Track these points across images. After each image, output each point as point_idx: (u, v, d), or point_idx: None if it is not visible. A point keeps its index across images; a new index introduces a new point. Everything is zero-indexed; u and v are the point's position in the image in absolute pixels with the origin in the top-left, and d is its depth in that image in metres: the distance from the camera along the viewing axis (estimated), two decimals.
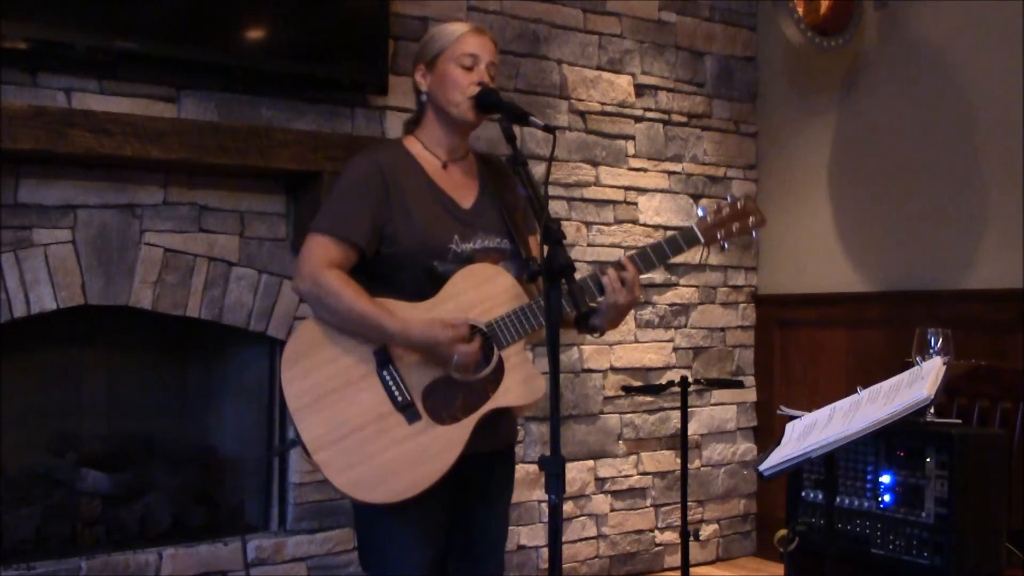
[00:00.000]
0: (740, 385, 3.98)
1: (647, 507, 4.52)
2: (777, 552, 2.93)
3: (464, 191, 2.41)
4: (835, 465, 2.30)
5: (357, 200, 2.31)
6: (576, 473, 4.28)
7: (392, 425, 2.22)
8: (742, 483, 4.80)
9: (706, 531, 4.64)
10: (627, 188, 4.48)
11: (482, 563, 2.44)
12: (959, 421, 2.84)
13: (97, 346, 3.66)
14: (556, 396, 1.91)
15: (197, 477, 3.71)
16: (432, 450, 2.21)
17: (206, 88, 3.44)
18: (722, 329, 4.77)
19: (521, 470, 3.69)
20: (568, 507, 4.27)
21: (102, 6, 3.15)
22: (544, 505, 4.11)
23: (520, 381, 2.28)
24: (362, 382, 2.24)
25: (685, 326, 4.65)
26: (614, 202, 4.44)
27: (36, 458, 3.54)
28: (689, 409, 3.68)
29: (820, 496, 2.69)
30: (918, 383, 2.20)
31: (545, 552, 4.17)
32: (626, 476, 4.46)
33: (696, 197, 4.65)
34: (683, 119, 4.66)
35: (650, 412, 4.53)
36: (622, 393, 4.36)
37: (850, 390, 2.38)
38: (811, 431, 2.25)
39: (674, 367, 4.57)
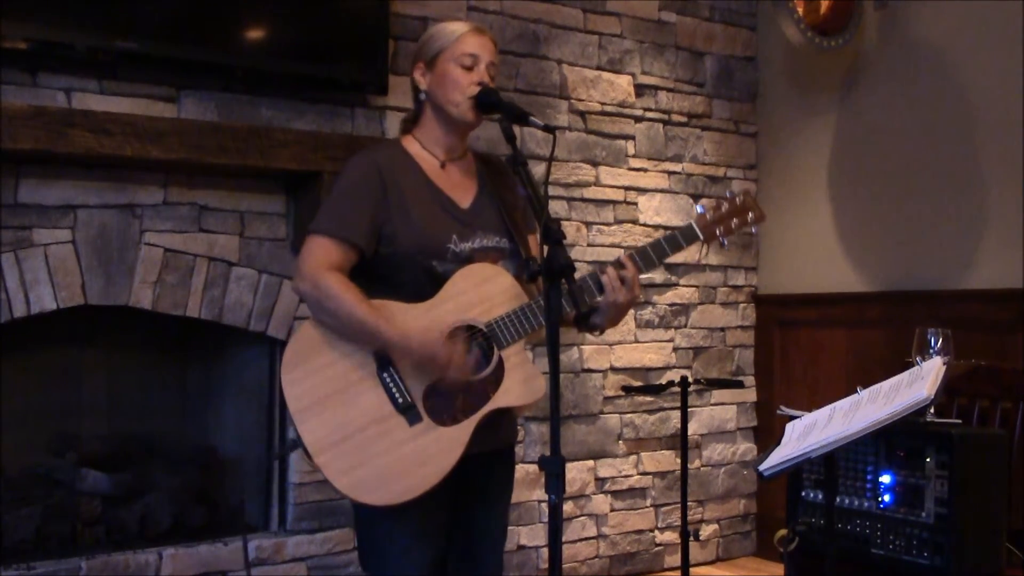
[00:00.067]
0: (740, 385, 3.98)
1: (647, 507, 4.52)
2: (777, 552, 2.93)
3: (463, 190, 2.41)
4: (835, 465, 2.30)
5: (356, 200, 2.30)
6: (576, 473, 4.28)
7: (393, 427, 2.22)
8: (742, 483, 4.80)
9: (706, 531, 4.64)
10: (627, 188, 4.48)
11: (482, 563, 2.44)
12: (959, 421, 2.84)
13: (97, 346, 3.66)
14: (556, 396, 1.91)
15: (197, 477, 3.71)
16: (433, 451, 2.21)
17: (206, 88, 3.44)
18: (722, 329, 4.78)
19: (521, 470, 3.69)
20: (568, 507, 4.27)
21: (102, 6, 3.15)
22: (544, 505, 4.11)
23: (520, 381, 2.28)
24: (362, 384, 2.24)
25: (685, 326, 4.65)
26: (614, 202, 4.44)
27: (36, 458, 3.54)
28: (689, 409, 3.68)
29: (820, 496, 2.69)
30: (918, 383, 2.20)
31: (545, 552, 4.17)
32: (626, 476, 4.46)
33: (696, 197, 4.65)
34: (683, 119, 4.66)
35: (650, 412, 4.53)
36: (622, 393, 4.36)
37: (850, 390, 2.38)
38: (811, 431, 2.25)
39: (674, 367, 4.57)
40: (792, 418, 2.41)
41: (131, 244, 3.32)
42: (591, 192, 4.38)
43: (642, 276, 2.37)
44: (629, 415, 4.46)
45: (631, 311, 4.39)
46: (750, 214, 2.45)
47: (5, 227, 3.11)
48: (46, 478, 3.48)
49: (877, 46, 4.42)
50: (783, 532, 2.41)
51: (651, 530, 4.53)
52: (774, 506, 4.62)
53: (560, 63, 4.30)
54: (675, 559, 4.38)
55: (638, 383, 4.39)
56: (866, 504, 2.65)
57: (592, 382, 4.37)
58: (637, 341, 4.50)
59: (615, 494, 4.43)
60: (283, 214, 3.60)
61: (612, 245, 4.38)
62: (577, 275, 2.06)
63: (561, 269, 1.97)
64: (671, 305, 4.61)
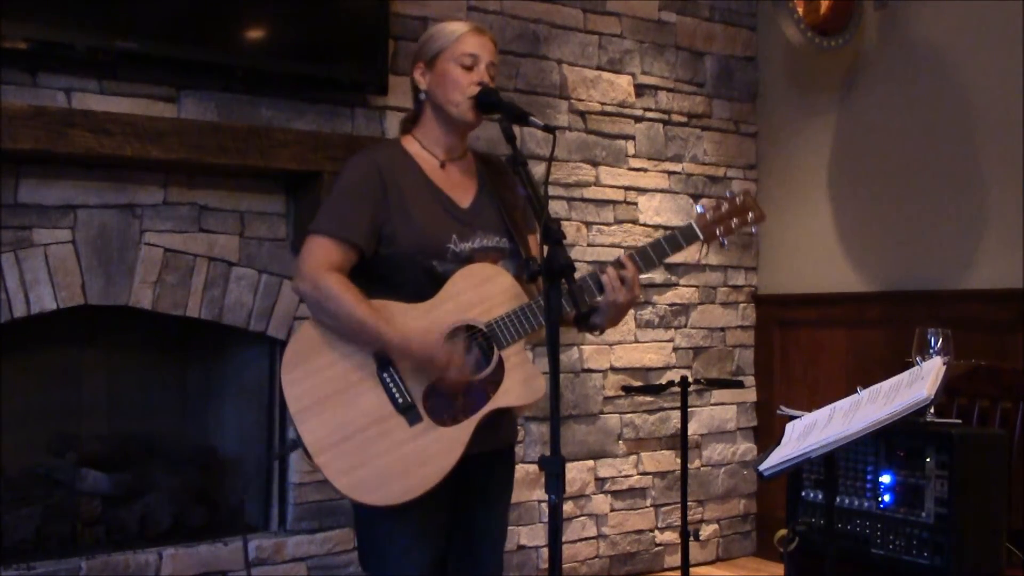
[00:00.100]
0: (740, 385, 3.98)
1: (647, 507, 4.52)
2: (777, 552, 2.93)
3: (462, 190, 2.41)
4: (835, 465, 2.30)
5: (356, 201, 2.30)
6: (576, 473, 4.28)
7: (393, 427, 2.22)
8: (742, 483, 4.80)
9: (706, 531, 4.64)
10: (627, 188, 4.48)
11: (482, 563, 2.44)
12: (959, 421, 2.84)
13: (97, 346, 3.66)
14: (556, 396, 1.91)
15: (197, 477, 3.71)
16: (433, 452, 2.21)
17: (206, 88, 3.44)
18: (722, 329, 4.78)
19: (521, 470, 3.69)
20: (568, 507, 4.27)
21: (102, 6, 3.15)
22: (544, 505, 4.11)
23: (520, 381, 2.28)
24: (362, 384, 2.24)
25: (685, 326, 4.65)
26: (614, 202, 4.44)
27: (36, 458, 3.54)
28: (689, 409, 3.68)
29: (820, 496, 2.69)
30: (918, 383, 2.20)
31: (545, 552, 4.17)
32: (626, 476, 4.46)
33: (696, 197, 4.65)
34: (683, 119, 4.66)
35: (650, 412, 4.53)
36: (622, 393, 4.36)
37: (850, 390, 2.38)
38: (811, 431, 2.25)
39: (674, 367, 4.57)
40: (792, 418, 2.41)
41: (131, 244, 3.32)
42: (591, 192, 4.38)
43: (642, 276, 2.37)
44: (629, 415, 4.47)
45: (631, 311, 4.39)
46: (750, 214, 2.45)
47: (5, 227, 3.11)
48: (46, 478, 3.48)
49: (877, 46, 4.42)
50: (783, 532, 2.41)
51: (651, 530, 4.53)
52: (774, 506, 4.62)
53: (560, 63, 4.30)
54: (675, 559, 4.38)
55: (638, 383, 4.39)
56: (866, 504, 2.65)
57: (592, 382, 4.37)
58: (637, 341, 4.50)
59: (615, 494, 4.43)
60: (283, 214, 3.60)
61: (612, 245, 4.38)
62: (577, 275, 2.06)
63: (561, 269, 1.97)
64: (671, 305, 4.61)
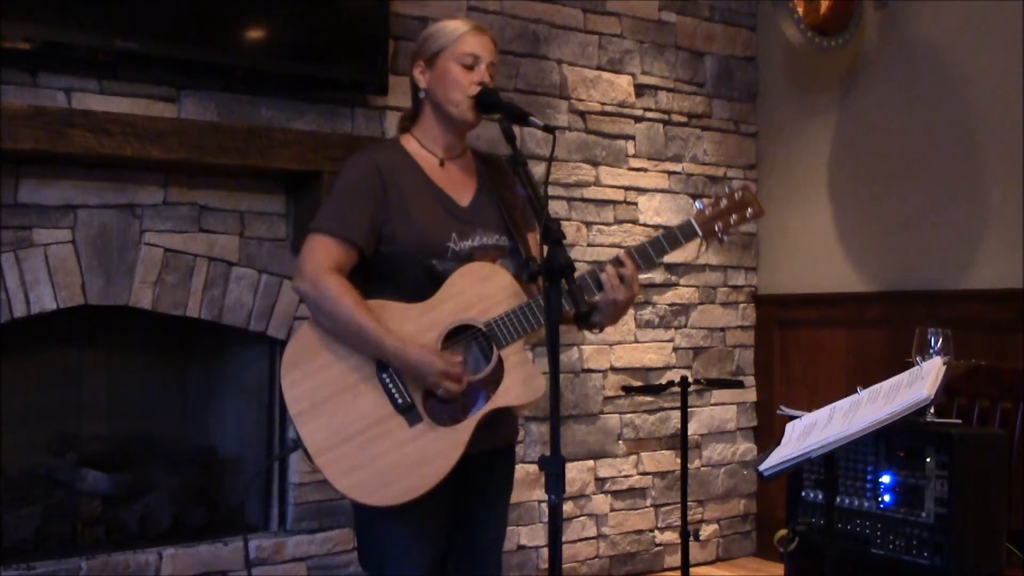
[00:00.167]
0: (740, 385, 3.98)
1: (647, 507, 4.52)
2: (777, 552, 2.93)
3: (462, 189, 2.41)
4: (835, 465, 2.31)
5: (356, 200, 2.30)
6: (576, 473, 4.28)
7: (393, 427, 2.22)
8: (742, 483, 4.80)
9: (706, 531, 4.64)
10: (627, 188, 4.48)
11: (481, 562, 2.44)
12: (959, 421, 2.84)
13: (97, 346, 3.66)
14: (556, 396, 1.91)
15: (197, 477, 3.71)
16: (434, 452, 2.21)
17: (206, 88, 3.44)
18: (722, 329, 4.78)
19: (521, 470, 3.69)
20: (568, 507, 4.27)
21: (102, 6, 3.15)
22: (544, 505, 4.11)
23: (520, 380, 2.28)
24: (362, 385, 2.24)
25: (685, 326, 4.65)
26: (614, 202, 4.44)
27: (36, 458, 3.54)
28: (689, 409, 3.68)
29: (820, 496, 2.69)
30: (918, 383, 2.20)
31: (545, 552, 4.17)
32: (626, 476, 4.46)
33: (696, 197, 4.65)
34: (683, 119, 4.66)
35: (650, 412, 4.53)
36: (622, 393, 4.36)
37: (850, 390, 2.38)
38: (811, 431, 2.25)
39: (674, 367, 4.57)
40: (792, 418, 2.41)
41: (131, 244, 3.32)
42: (591, 192, 4.38)
43: (642, 276, 2.37)
44: (629, 415, 4.46)
45: (631, 311, 4.39)
46: (749, 209, 2.44)
47: (5, 227, 3.11)
48: (46, 478, 3.48)
49: (877, 46, 4.42)
50: (783, 532, 2.41)
51: (651, 530, 4.53)
52: (774, 506, 4.62)
53: (560, 63, 4.30)
54: (675, 559, 4.37)
55: (638, 383, 4.39)
56: (866, 504, 2.65)
57: (592, 382, 4.37)
58: (637, 341, 4.50)
59: (615, 494, 4.43)
60: (283, 214, 3.60)
61: (612, 245, 4.38)
62: (576, 275, 2.06)
63: (561, 269, 1.97)
64: (671, 305, 4.61)
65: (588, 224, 4.36)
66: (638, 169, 4.52)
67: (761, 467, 2.24)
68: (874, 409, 2.19)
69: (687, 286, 4.65)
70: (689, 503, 3.73)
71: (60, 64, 3.17)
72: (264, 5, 3.48)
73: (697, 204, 2.44)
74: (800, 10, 4.18)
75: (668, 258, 4.48)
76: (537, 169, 2.35)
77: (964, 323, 3.52)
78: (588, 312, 2.26)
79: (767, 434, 4.74)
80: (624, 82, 4.48)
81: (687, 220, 2.41)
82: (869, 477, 2.65)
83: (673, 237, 2.39)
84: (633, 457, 4.48)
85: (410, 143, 2.42)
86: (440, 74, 2.35)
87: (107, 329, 3.59)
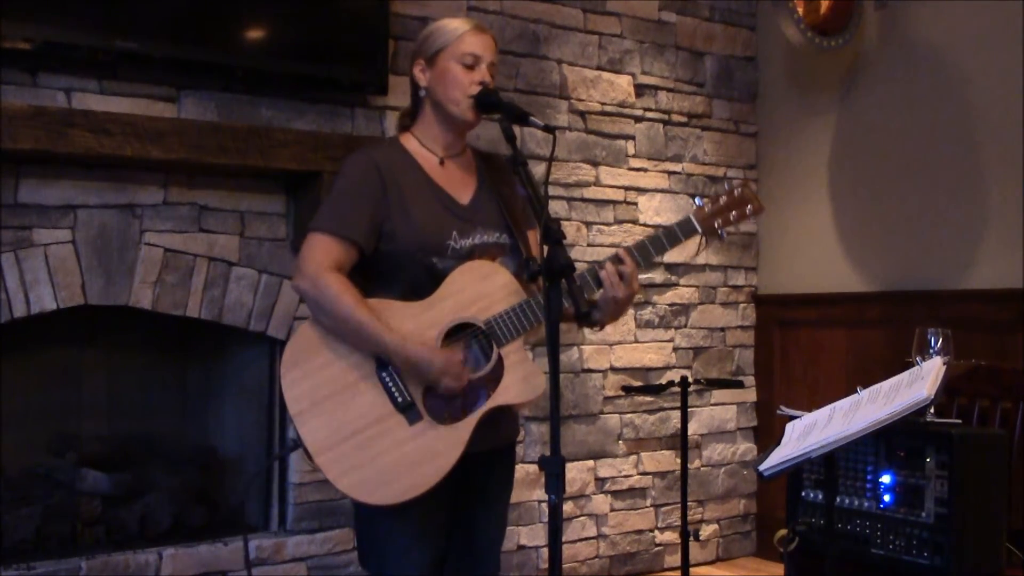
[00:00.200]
0: (740, 385, 3.98)
1: (647, 507, 4.52)
2: (777, 552, 2.93)
3: (462, 187, 2.41)
4: (835, 465, 2.30)
5: (356, 199, 2.31)
6: (576, 473, 4.28)
7: (393, 426, 2.22)
8: (742, 483, 4.80)
9: (706, 531, 4.64)
10: (627, 188, 4.48)
11: (480, 562, 2.44)
12: (959, 421, 2.84)
13: (97, 346, 3.66)
14: (556, 396, 1.91)
15: (197, 477, 3.71)
16: (434, 450, 2.21)
17: (206, 88, 3.44)
18: (722, 329, 4.77)
19: (521, 470, 3.69)
20: (568, 507, 4.27)
21: (102, 6, 3.15)
22: (544, 505, 4.11)
23: (520, 378, 2.27)
24: (362, 384, 2.24)
25: (685, 326, 4.65)
26: (614, 202, 4.44)
27: (36, 458, 3.54)
28: (689, 409, 3.68)
29: (820, 496, 2.69)
30: (918, 383, 2.20)
31: (545, 552, 4.17)
32: (626, 476, 4.45)
33: (696, 197, 4.65)
34: (683, 119, 4.66)
35: (650, 412, 4.53)
36: (622, 393, 4.36)
37: (850, 390, 2.38)
38: (811, 431, 2.25)
39: (674, 367, 4.57)
40: (792, 418, 2.41)
41: (131, 244, 3.32)
42: (591, 192, 4.38)
43: (642, 275, 2.37)
44: (629, 415, 4.46)
45: (631, 310, 4.40)
46: (749, 206, 2.43)
47: (5, 227, 3.11)
48: (46, 478, 3.48)
49: (877, 46, 4.42)
50: (783, 532, 2.41)
51: (651, 530, 4.53)
52: (774, 506, 4.62)
53: (560, 63, 4.30)
54: (675, 559, 4.37)
55: (638, 383, 4.39)
56: (866, 504, 2.65)
57: (592, 382, 4.37)
58: (637, 341, 4.50)
59: (615, 494, 4.43)
60: (283, 214, 3.60)
61: (612, 245, 4.38)
62: (576, 274, 2.06)
63: (561, 269, 1.97)
64: (671, 305, 4.61)
65: (588, 224, 4.36)
66: (638, 169, 4.52)
67: (761, 467, 2.24)
68: (874, 409, 2.19)
69: (687, 286, 4.65)
70: (689, 503, 3.73)
71: (60, 64, 3.17)
72: (264, 5, 3.48)
73: (697, 201, 2.43)
74: (800, 10, 4.18)
75: (668, 258, 4.52)
76: (537, 169, 2.34)
77: (964, 323, 3.52)
78: (588, 311, 2.27)
79: (767, 434, 4.74)
80: (624, 82, 4.48)
81: (686, 217, 2.40)
82: (869, 477, 2.65)
83: (673, 234, 2.38)
84: (633, 457, 4.48)
85: (410, 142, 2.42)
86: (441, 73, 2.35)
87: (107, 329, 3.59)
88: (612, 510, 4.42)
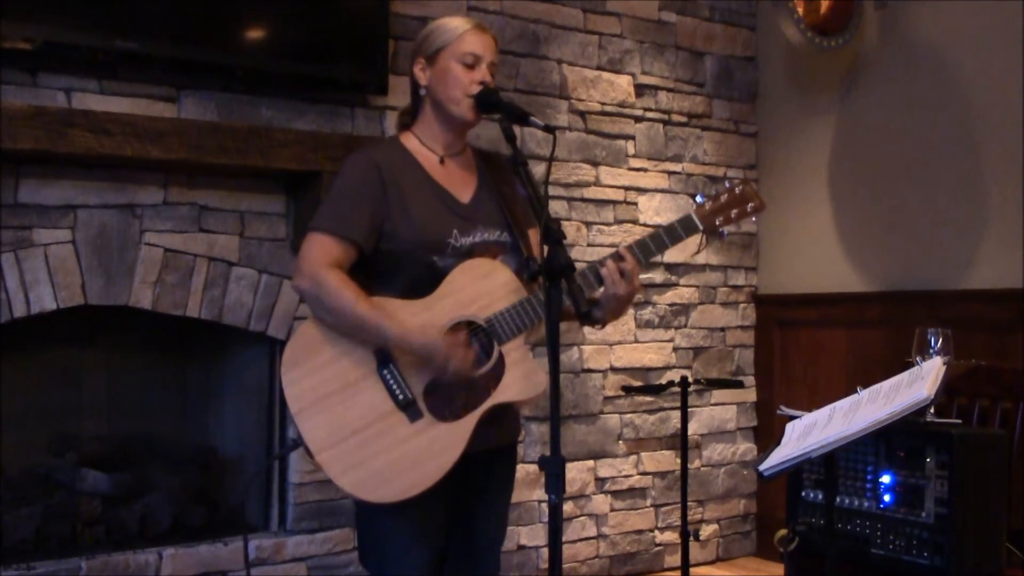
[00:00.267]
0: (740, 385, 3.98)
1: (647, 507, 4.52)
2: (777, 552, 2.93)
3: (462, 186, 2.41)
4: (835, 465, 2.30)
5: (355, 198, 2.31)
6: (576, 473, 4.28)
7: (394, 424, 2.22)
8: (742, 483, 4.80)
9: (706, 531, 4.64)
10: (627, 188, 4.48)
11: (480, 562, 2.44)
12: (959, 421, 2.84)
13: (97, 346, 3.66)
14: (556, 396, 1.91)
15: (197, 477, 3.71)
16: (435, 448, 2.21)
17: (206, 88, 3.44)
18: (722, 329, 4.77)
19: (521, 470, 3.69)
20: (568, 507, 4.27)
21: (102, 6, 3.15)
22: (544, 505, 4.11)
23: (521, 376, 2.27)
24: (363, 382, 2.24)
25: (685, 326, 4.65)
26: (614, 202, 4.44)
27: (36, 458, 3.54)
28: (689, 409, 3.68)
29: (820, 496, 2.69)
30: (918, 383, 2.20)
31: (545, 552, 4.17)
32: (626, 476, 4.46)
33: (697, 195, 4.65)
34: (683, 119, 4.66)
35: (650, 412, 4.53)
36: (622, 393, 4.36)
37: (850, 390, 2.38)
38: (811, 431, 2.25)
39: (674, 367, 4.57)
40: (792, 418, 2.41)
41: (131, 244, 3.32)
42: (591, 192, 4.38)
43: (642, 275, 2.36)
44: (629, 415, 4.46)
45: (631, 311, 4.40)
46: (750, 204, 2.42)
47: (5, 227, 3.11)
48: (46, 478, 3.48)
49: (877, 46, 4.42)
50: (783, 532, 2.41)
51: (651, 530, 4.53)
52: (774, 506, 4.62)
53: (560, 63, 4.30)
54: (675, 559, 4.37)
55: (638, 383, 4.39)
56: (866, 504, 2.65)
57: (592, 382, 4.37)
58: (637, 341, 4.50)
59: (615, 494, 4.43)
60: (283, 214, 3.60)
61: (612, 245, 4.38)
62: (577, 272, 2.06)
63: (561, 269, 1.97)
64: (671, 305, 4.61)
65: (588, 224, 4.36)
66: (638, 169, 4.52)
67: (761, 467, 2.24)
68: (874, 409, 2.19)
69: (687, 286, 4.65)
70: (689, 503, 3.73)
71: (60, 64, 3.17)
72: (264, 5, 3.48)
73: (698, 198, 2.43)
74: (800, 10, 4.18)
75: (668, 257, 4.52)
76: (537, 169, 2.34)
77: (964, 323, 3.52)
78: (588, 311, 2.27)
79: (767, 434, 4.74)
80: (624, 82, 4.48)
81: (687, 215, 2.40)
82: (869, 477, 2.65)
83: (673, 231, 2.38)
84: (633, 457, 4.48)
85: (410, 141, 2.42)
86: (441, 72, 2.35)
87: (107, 329, 3.59)
88: (612, 510, 4.42)
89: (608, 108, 4.43)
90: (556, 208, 4.25)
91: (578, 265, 2.10)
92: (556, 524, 1.90)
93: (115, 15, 3.17)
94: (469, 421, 2.24)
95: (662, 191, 4.59)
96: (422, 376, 2.25)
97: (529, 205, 2.24)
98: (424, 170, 2.38)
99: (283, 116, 3.57)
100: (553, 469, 1.89)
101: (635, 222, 4.50)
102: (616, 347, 4.42)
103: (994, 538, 2.53)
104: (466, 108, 2.33)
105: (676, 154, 4.64)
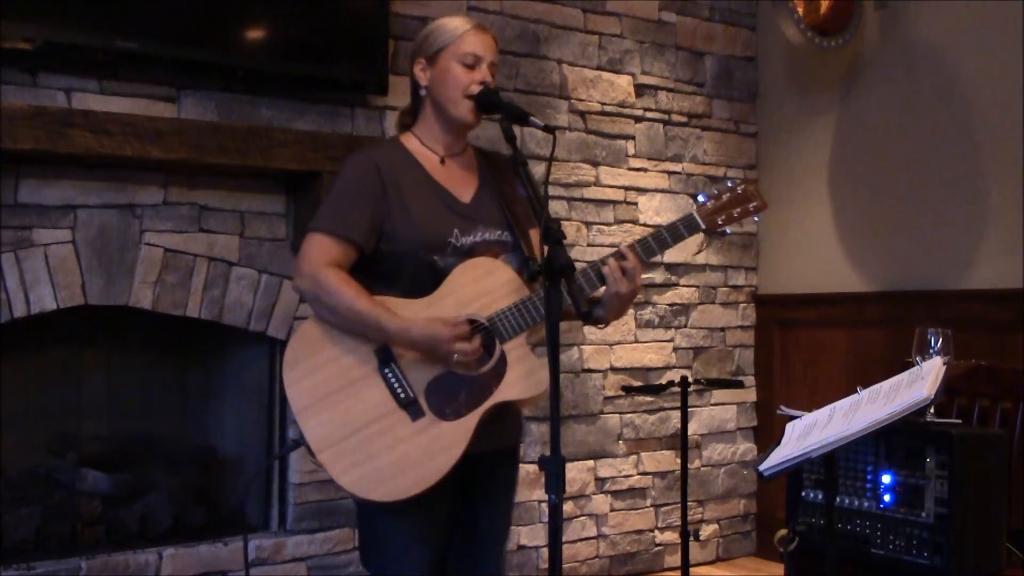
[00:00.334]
0: (740, 385, 3.98)
1: (647, 507, 4.52)
2: (777, 552, 2.93)
3: (463, 185, 2.41)
4: (835, 465, 2.30)
5: (355, 199, 2.31)
6: (576, 473, 4.28)
7: (395, 423, 2.22)
8: (742, 483, 4.80)
9: (706, 531, 4.64)
10: (627, 188, 4.48)
11: (482, 562, 2.44)
12: (959, 421, 2.84)
13: (97, 346, 3.66)
14: (556, 396, 1.90)
15: (197, 477, 3.71)
16: (436, 447, 2.21)
17: (206, 88, 3.44)
18: (722, 329, 4.77)
19: (521, 470, 3.67)
20: (568, 507, 4.27)
21: (102, 6, 3.15)
22: (544, 505, 4.11)
23: (524, 375, 2.27)
24: (364, 380, 2.24)
25: (685, 326, 4.65)
26: (614, 202, 4.44)
27: (36, 458, 3.54)
28: (689, 409, 3.68)
29: (820, 496, 2.69)
30: (918, 383, 2.20)
31: (545, 552, 4.17)
32: (626, 476, 4.45)
33: (699, 194, 4.65)
34: (683, 119, 4.66)
35: (650, 412, 4.53)
36: (622, 393, 4.36)
37: (850, 390, 2.38)
38: (811, 431, 2.25)
39: (674, 367, 4.57)
40: (792, 418, 2.41)
41: (131, 244, 3.32)
42: (591, 192, 4.38)
43: (643, 275, 2.36)
44: (629, 415, 4.46)
45: (631, 310, 4.40)
46: (752, 203, 2.42)
47: (5, 227, 3.11)
48: (46, 478, 3.48)
49: (877, 46, 4.42)
50: (783, 532, 2.41)
51: (651, 530, 4.53)
52: (774, 506, 4.62)
53: (560, 63, 4.30)
54: (675, 559, 4.37)
55: (638, 383, 4.39)
56: (866, 504, 2.65)
57: (592, 382, 4.37)
58: (637, 341, 4.50)
59: (615, 494, 4.43)
60: (283, 214, 3.60)
61: (612, 245, 4.38)
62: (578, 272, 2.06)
63: (561, 269, 1.97)
64: (671, 305, 4.61)
65: (588, 224, 4.36)
66: (638, 169, 4.52)
67: (761, 467, 2.24)
68: (874, 409, 2.19)
69: (687, 286, 4.65)
70: (689, 503, 3.73)
71: (60, 64, 3.17)
72: (264, 5, 3.48)
73: (700, 197, 2.42)
74: (800, 10, 4.18)
75: (668, 257, 4.52)
76: (537, 169, 2.34)
77: (964, 323, 3.52)
78: (589, 311, 2.27)
79: (767, 434, 4.74)
80: (624, 82, 4.48)
81: (689, 213, 2.40)
82: (869, 477, 2.65)
83: (676, 230, 2.37)
84: (633, 457, 4.48)
85: (410, 141, 2.42)
86: (441, 73, 2.35)
87: (107, 329, 3.59)
88: (612, 510, 4.42)
89: (608, 108, 4.43)
90: (556, 208, 4.25)
91: (578, 265, 2.10)
92: (556, 524, 1.89)
93: (115, 15, 3.17)
94: (471, 420, 2.24)
95: (662, 191, 4.59)
96: (424, 375, 2.25)
97: (529, 205, 2.23)
98: (424, 170, 2.38)
99: (283, 116, 3.57)
100: (553, 469, 1.89)
101: (635, 222, 4.50)
102: (616, 347, 4.42)
103: (994, 538, 2.53)
104: (466, 109, 2.33)
105: (676, 154, 4.64)
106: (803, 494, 2.79)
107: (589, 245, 4.34)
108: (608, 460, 4.40)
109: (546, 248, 1.98)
